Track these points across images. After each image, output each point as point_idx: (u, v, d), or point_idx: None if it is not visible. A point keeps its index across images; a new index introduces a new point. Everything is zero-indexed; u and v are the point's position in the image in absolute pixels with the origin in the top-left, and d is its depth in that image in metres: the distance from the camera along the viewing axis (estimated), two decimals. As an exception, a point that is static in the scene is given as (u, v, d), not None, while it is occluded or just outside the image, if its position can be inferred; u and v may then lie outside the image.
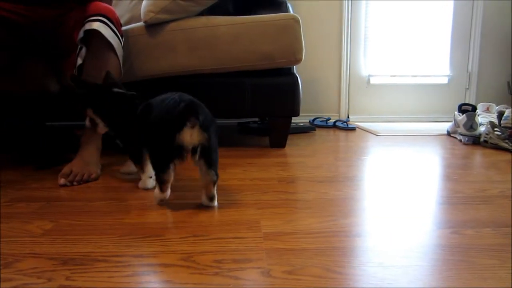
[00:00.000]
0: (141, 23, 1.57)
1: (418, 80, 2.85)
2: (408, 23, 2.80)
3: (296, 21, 1.57)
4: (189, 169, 1.33)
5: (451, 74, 2.86)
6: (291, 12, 1.88)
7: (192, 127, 0.85)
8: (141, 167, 1.10)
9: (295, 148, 1.76)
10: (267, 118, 2.06)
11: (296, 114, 1.69)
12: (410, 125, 2.59)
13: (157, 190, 0.94)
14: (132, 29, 1.55)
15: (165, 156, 0.89)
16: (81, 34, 1.23)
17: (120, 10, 1.93)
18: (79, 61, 1.28)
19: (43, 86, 1.48)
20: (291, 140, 1.96)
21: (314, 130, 2.37)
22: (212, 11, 1.69)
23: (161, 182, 0.93)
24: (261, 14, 1.71)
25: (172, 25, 1.54)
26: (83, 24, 1.24)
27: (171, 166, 0.90)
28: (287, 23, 1.56)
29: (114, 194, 1.06)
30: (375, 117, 2.86)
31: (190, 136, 0.85)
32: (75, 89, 1.12)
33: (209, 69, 1.57)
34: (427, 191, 1.08)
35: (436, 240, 0.74)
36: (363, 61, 2.83)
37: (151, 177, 1.09)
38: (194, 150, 0.87)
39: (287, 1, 1.99)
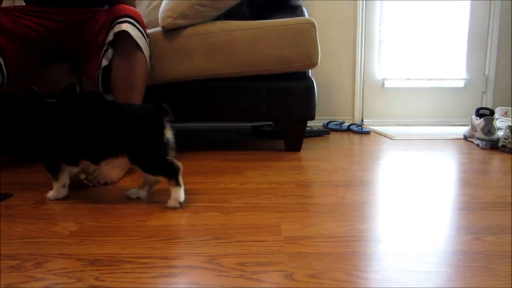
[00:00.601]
0: (158, 28, 1.59)
1: (433, 83, 2.83)
2: (423, 25, 2.78)
3: (312, 25, 1.58)
4: (205, 173, 1.34)
5: (467, 78, 2.83)
6: (306, 15, 1.89)
7: (168, 123, 0.98)
8: (55, 176, 1.04)
9: (310, 151, 1.76)
10: (281, 122, 2.07)
11: (312, 118, 1.70)
12: (426, 129, 2.58)
13: (178, 191, 0.98)
14: (150, 34, 1.58)
15: (162, 151, 0.97)
16: (110, 36, 1.26)
17: (138, 15, 1.96)
18: (105, 62, 1.31)
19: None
20: (306, 143, 1.97)
21: (329, 133, 2.37)
22: (228, 16, 1.71)
23: (176, 172, 0.98)
24: (277, 18, 1.72)
25: (189, 30, 1.56)
26: (112, 27, 1.27)
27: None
28: (303, 27, 1.57)
29: (135, 196, 1.08)
30: (389, 121, 2.85)
31: (170, 131, 0.98)
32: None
33: (225, 73, 1.59)
34: (445, 196, 1.08)
35: (457, 246, 0.74)
36: (378, 64, 2.82)
37: (64, 186, 1.05)
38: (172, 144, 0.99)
39: (302, 5, 2.00)
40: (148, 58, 1.36)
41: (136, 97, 1.31)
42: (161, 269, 0.66)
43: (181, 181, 0.99)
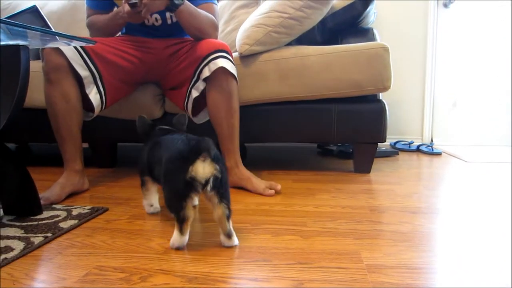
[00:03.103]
0: (235, 54, 1.69)
1: (510, 101, 2.67)
2: (499, 41, 2.65)
3: (386, 50, 1.59)
4: (279, 194, 1.39)
5: (550, 96, 2.64)
6: (378, 38, 1.90)
7: (204, 160, 0.87)
8: (143, 193, 1.17)
9: (380, 173, 1.75)
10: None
11: (383, 140, 1.70)
12: (503, 150, 2.43)
13: (176, 235, 0.90)
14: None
15: (181, 191, 0.87)
16: (206, 73, 1.37)
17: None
18: (195, 93, 1.43)
19: (149, 112, 1.66)
20: (375, 164, 1.95)
21: (397, 154, 2.33)
22: (300, 40, 1.77)
23: (181, 221, 0.88)
24: (349, 42, 1.75)
25: (264, 56, 1.64)
26: (207, 63, 1.38)
27: (189, 203, 0.88)
28: (376, 52, 1.58)
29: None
30: (462, 141, 2.73)
31: (203, 168, 0.87)
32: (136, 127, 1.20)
33: (298, 97, 1.64)
34: (533, 229, 1.03)
35: (551, 286, 0.72)
36: (449, 81, 2.73)
37: (152, 205, 1.18)
38: (206, 183, 0.87)
39: (373, 27, 2.01)
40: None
41: (238, 120, 1.46)
42: (253, 291, 0.71)
43: (182, 229, 0.89)
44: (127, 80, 1.53)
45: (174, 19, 1.52)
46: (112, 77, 1.45)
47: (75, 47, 1.35)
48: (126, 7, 1.34)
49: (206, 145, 0.87)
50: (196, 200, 0.94)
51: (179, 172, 0.87)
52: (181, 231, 0.89)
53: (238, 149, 1.47)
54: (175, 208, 0.89)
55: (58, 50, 1.32)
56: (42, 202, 1.20)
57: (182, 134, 1.02)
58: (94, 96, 1.41)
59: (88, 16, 1.57)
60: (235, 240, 0.93)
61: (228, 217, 0.90)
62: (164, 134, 1.12)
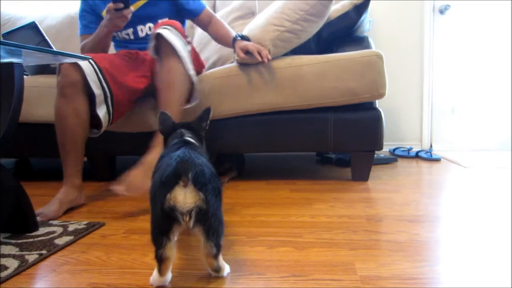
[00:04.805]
0: (231, 64, 1.70)
1: (510, 105, 2.67)
2: (496, 45, 2.66)
3: (380, 57, 1.60)
4: (276, 204, 1.39)
5: (549, 100, 2.64)
6: (373, 45, 1.90)
7: (185, 186, 0.73)
8: None
9: (378, 181, 1.75)
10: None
11: (380, 148, 1.69)
12: (504, 155, 2.43)
13: (155, 273, 0.78)
14: (222, 70, 1.69)
15: (160, 223, 0.75)
16: (152, 42, 1.40)
17: (208, 52, 2.11)
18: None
19: (148, 125, 1.67)
20: (373, 172, 1.95)
21: (396, 160, 2.33)
22: (295, 50, 1.78)
23: (159, 260, 0.76)
24: (344, 51, 1.76)
25: (260, 66, 1.65)
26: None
27: (171, 238, 0.75)
28: (370, 60, 1.59)
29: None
30: (461, 146, 2.73)
31: (183, 196, 0.73)
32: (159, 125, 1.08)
33: (294, 106, 1.65)
34: (530, 236, 1.03)
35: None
36: (447, 87, 2.73)
37: None
38: (189, 214, 0.73)
39: (368, 35, 2.02)
40: (187, 63, 1.43)
41: (174, 97, 1.41)
42: (245, 306, 0.71)
43: (160, 270, 0.77)
44: (133, 99, 1.58)
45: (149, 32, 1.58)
46: (121, 97, 1.50)
47: (91, 64, 1.38)
48: (111, 5, 1.37)
49: (185, 167, 0.74)
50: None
51: (157, 199, 0.75)
52: (160, 272, 0.77)
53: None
54: (154, 243, 0.76)
55: (76, 65, 1.35)
56: (39, 218, 1.20)
57: (182, 147, 0.86)
58: (103, 114, 1.44)
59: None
60: (224, 273, 0.82)
61: (216, 256, 0.78)
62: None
